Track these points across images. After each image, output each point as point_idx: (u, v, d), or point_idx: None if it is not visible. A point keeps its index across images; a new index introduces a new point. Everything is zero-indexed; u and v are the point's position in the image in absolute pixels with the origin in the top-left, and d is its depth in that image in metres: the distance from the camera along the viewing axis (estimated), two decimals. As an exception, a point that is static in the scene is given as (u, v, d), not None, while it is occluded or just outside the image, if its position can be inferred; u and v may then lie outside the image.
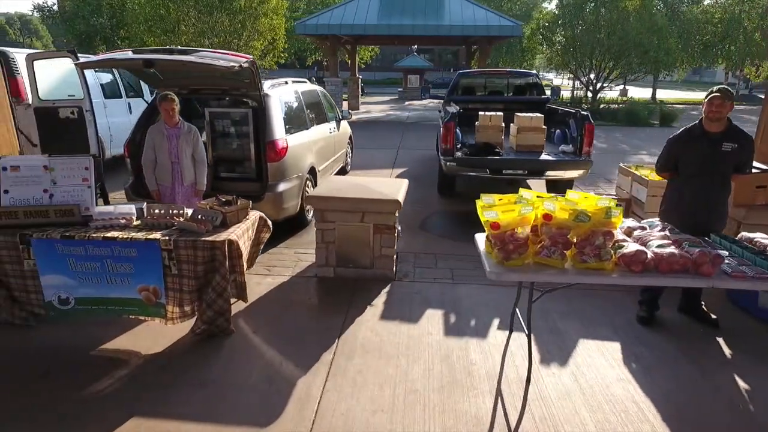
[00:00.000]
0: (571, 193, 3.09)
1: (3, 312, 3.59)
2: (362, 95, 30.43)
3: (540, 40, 24.51)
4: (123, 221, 3.57)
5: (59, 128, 6.39)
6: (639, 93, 32.48)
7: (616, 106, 21.31)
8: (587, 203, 2.96)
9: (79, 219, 3.58)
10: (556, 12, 23.97)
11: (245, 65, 4.42)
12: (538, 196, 3.12)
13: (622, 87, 32.47)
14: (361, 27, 18.55)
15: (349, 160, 9.01)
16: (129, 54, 4.46)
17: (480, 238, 3.35)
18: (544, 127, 6.44)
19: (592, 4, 22.11)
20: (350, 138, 9.06)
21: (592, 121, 6.11)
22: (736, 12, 27.73)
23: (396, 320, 3.80)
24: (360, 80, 24.34)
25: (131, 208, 3.69)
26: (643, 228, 3.16)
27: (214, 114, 5.53)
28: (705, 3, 31.77)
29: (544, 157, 6.21)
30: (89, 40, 29.85)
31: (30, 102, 6.35)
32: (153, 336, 3.53)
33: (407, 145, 12.66)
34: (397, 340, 3.52)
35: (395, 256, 4.57)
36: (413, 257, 5.06)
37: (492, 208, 2.92)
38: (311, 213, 6.13)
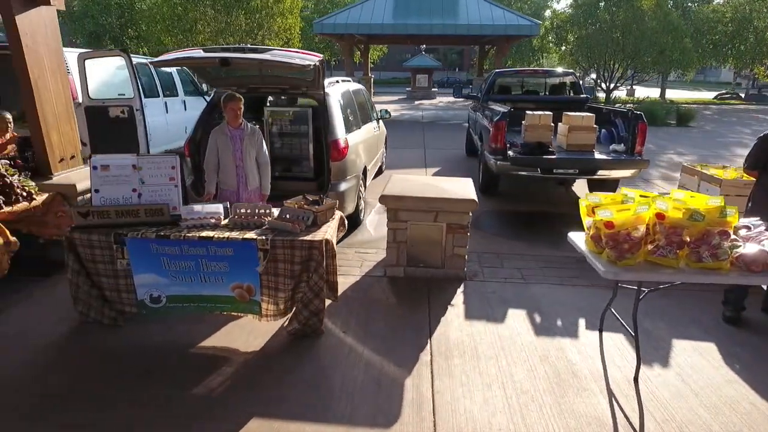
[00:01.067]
0: (676, 192, 3.08)
1: (92, 311, 3.58)
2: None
3: (554, 39, 24.47)
4: (213, 221, 3.55)
5: (109, 127, 6.39)
6: (645, 92, 32.49)
7: (632, 105, 21.31)
8: (696, 202, 2.94)
9: (168, 218, 3.56)
10: (570, 11, 23.95)
11: (317, 63, 4.41)
12: (642, 195, 3.10)
13: (629, 87, 32.46)
14: (378, 26, 18.55)
15: (384, 159, 9.00)
16: (200, 53, 4.43)
17: (577, 238, 3.33)
18: (595, 126, 6.42)
19: (603, 4, 22.13)
20: (386, 137, 9.05)
21: (645, 120, 6.09)
22: (747, 11, 27.73)
23: (482, 320, 3.78)
24: (372, 79, 24.32)
25: (218, 208, 3.67)
26: (747, 227, 3.14)
27: (274, 113, 5.51)
28: (716, 2, 31.76)
29: (599, 156, 6.19)
30: (98, 39, 29.85)
31: (80, 101, 6.34)
32: (244, 334, 3.52)
33: (431, 145, 12.65)
34: (489, 340, 3.50)
35: (466, 256, 4.55)
36: (476, 257, 5.05)
37: (605, 207, 2.90)
38: (363, 213, 6.13)
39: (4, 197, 3.98)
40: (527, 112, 6.77)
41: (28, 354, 3.27)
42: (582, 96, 8.69)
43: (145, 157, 3.65)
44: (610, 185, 7.22)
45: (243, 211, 3.65)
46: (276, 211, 3.69)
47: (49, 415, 2.71)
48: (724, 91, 38.49)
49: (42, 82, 4.57)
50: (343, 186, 5.27)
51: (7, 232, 3.96)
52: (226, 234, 3.36)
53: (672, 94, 35.32)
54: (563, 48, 24.25)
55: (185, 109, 9.44)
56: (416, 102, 28.12)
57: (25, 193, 4.19)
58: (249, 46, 4.55)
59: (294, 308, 3.51)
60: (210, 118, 5.37)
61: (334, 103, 5.34)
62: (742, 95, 36.37)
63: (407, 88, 38.21)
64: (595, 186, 7.37)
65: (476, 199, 4.35)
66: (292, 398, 2.84)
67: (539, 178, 6.33)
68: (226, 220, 3.61)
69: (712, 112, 24.46)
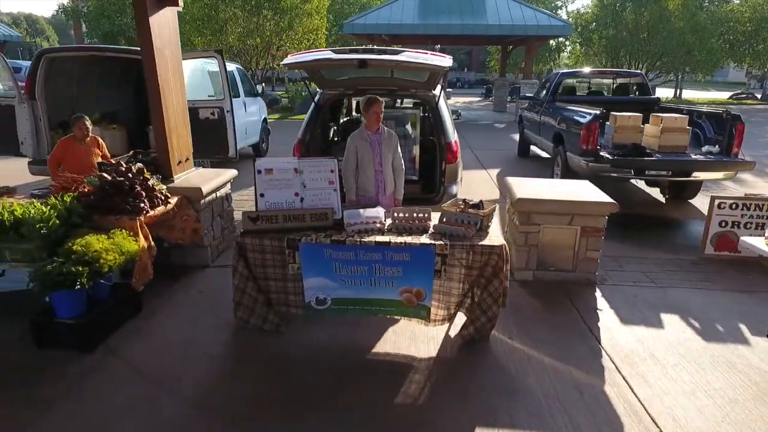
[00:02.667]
0: None
1: (254, 317, 3.52)
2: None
3: (578, 39, 24.43)
4: (378, 225, 3.49)
5: (198, 129, 6.30)
6: (661, 93, 32.39)
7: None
8: None
9: (331, 223, 3.51)
10: (595, 12, 23.91)
11: (449, 65, 4.36)
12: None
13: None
14: (409, 26, 18.48)
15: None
16: (329, 54, 4.37)
17: (757, 243, 3.28)
18: (688, 127, 6.36)
19: (630, 4, 22.07)
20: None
21: (743, 121, 6.04)
22: (766, 11, 27.69)
23: (640, 325, 3.73)
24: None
25: (380, 212, 3.61)
26: None
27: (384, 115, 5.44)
28: (735, 2, 31.70)
29: (699, 157, 6.13)
30: (112, 40, 29.81)
31: (170, 102, 6.26)
32: (407, 339, 3.47)
33: (475, 146, 12.60)
34: (661, 345, 3.45)
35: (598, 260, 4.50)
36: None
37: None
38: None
39: (149, 201, 3.92)
40: (614, 113, 6.71)
41: (213, 363, 3.21)
42: (653, 97, 8.64)
43: (305, 161, 3.60)
44: (693, 187, 7.19)
45: (402, 215, 3.60)
46: (434, 216, 3.63)
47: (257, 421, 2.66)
48: (738, 91, 38.34)
49: (166, 84, 4.51)
50: (454, 189, 5.22)
51: (150, 237, 3.91)
52: (403, 239, 3.30)
53: (685, 94, 35.24)
54: (579, 47, 24.13)
55: (245, 111, 9.39)
56: None
57: (162, 197, 4.14)
58: (377, 47, 4.49)
59: (457, 313, 3.47)
60: (317, 121, 5.31)
61: (443, 105, 5.29)
62: (758, 96, 36.28)
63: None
64: (675, 188, 7.35)
65: (615, 202, 4.29)
66: (501, 408, 2.78)
67: (623, 179, 6.26)
68: (388, 225, 3.55)
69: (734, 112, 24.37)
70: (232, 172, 5.24)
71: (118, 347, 3.34)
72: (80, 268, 3.11)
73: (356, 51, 4.46)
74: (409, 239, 3.31)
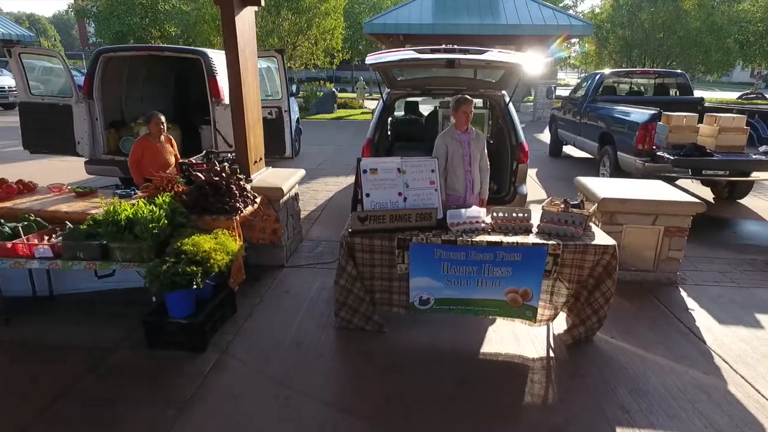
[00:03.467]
0: None
1: (356, 317, 3.51)
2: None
3: (592, 39, 24.41)
4: (483, 225, 3.48)
5: (255, 129, 6.29)
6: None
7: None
8: None
9: (435, 223, 3.49)
10: (609, 12, 23.89)
11: (539, 65, 4.35)
12: None
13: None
14: (429, 26, 18.43)
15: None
16: (414, 53, 4.34)
17: None
18: (746, 127, 6.36)
19: (645, 4, 22.04)
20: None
21: (803, 121, 6.04)
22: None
23: (738, 325, 3.72)
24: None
25: (481, 211, 3.59)
26: None
27: (449, 114, 5.43)
28: (746, 2, 31.67)
29: (758, 157, 6.13)
30: (123, 39, 29.79)
31: (227, 102, 6.25)
32: (511, 340, 3.46)
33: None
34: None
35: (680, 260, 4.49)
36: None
37: None
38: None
39: (242, 200, 3.91)
40: (668, 113, 6.70)
41: (330, 363, 3.19)
42: (696, 97, 8.63)
43: (408, 161, 3.59)
44: (746, 187, 7.18)
45: (502, 215, 3.59)
46: (535, 215, 3.62)
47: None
48: (748, 91, 38.30)
49: (246, 83, 4.50)
50: (524, 189, 5.21)
51: (242, 236, 3.90)
52: (514, 239, 3.29)
53: (696, 94, 35.20)
54: (606, 49, 23.99)
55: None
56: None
57: (251, 197, 4.13)
58: (456, 47, 4.48)
59: (559, 313, 3.47)
60: (385, 121, 5.30)
61: (512, 105, 5.27)
62: (768, 95, 36.26)
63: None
64: (728, 188, 7.33)
65: (702, 202, 4.28)
66: (634, 407, 2.77)
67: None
68: (490, 224, 3.54)
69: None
70: (301, 172, 5.23)
71: (228, 347, 3.33)
72: (194, 268, 3.10)
73: (438, 50, 4.45)
74: (519, 239, 3.30)
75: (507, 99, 5.17)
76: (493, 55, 4.24)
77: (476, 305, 3.47)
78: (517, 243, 3.26)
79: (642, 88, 9.62)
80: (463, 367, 3.15)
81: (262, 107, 6.25)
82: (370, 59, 4.36)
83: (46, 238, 3.47)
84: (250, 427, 2.60)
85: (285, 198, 4.71)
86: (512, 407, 2.79)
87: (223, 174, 3.92)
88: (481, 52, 4.32)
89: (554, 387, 2.96)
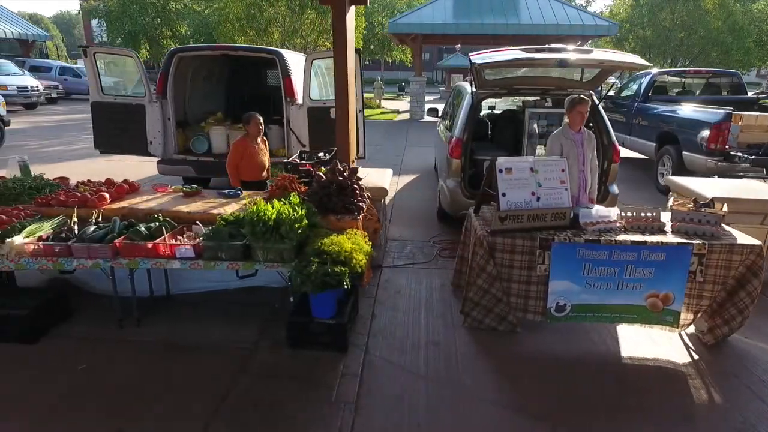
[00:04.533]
0: None
1: (489, 318, 3.50)
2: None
3: (611, 40, 24.39)
4: (618, 224, 3.47)
5: (328, 128, 6.27)
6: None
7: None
8: None
9: (568, 223, 3.49)
10: (628, 11, 23.89)
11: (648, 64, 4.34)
12: None
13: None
14: (453, 26, 18.44)
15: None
16: (521, 53, 4.31)
17: None
18: (820, 127, 6.36)
19: (667, 4, 22.04)
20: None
21: None
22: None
23: None
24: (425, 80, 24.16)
25: (611, 211, 3.58)
26: None
27: (533, 114, 5.44)
28: (760, 1, 31.68)
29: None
30: (134, 39, 29.81)
31: (301, 102, 6.25)
32: (649, 344, 3.44)
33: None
34: None
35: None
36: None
37: None
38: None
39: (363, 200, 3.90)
40: (739, 113, 6.69)
41: (476, 363, 3.18)
42: (750, 96, 8.62)
43: (540, 160, 3.57)
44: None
45: (631, 214, 3.57)
46: (665, 214, 3.61)
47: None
48: (759, 91, 38.37)
49: (349, 81, 4.48)
50: (615, 188, 5.21)
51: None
52: (658, 238, 3.28)
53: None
54: (626, 48, 23.99)
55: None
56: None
57: (366, 196, 4.11)
58: (548, 46, 4.46)
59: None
60: (474, 120, 5.28)
61: (600, 106, 5.26)
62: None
63: (441, 88, 38.18)
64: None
65: (813, 201, 4.27)
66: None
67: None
68: (619, 224, 3.53)
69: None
70: (390, 170, 5.22)
71: (367, 347, 3.31)
72: (342, 269, 3.09)
73: (542, 50, 4.43)
74: (661, 238, 3.28)
75: (600, 98, 5.15)
76: (604, 54, 4.23)
77: (613, 311, 3.43)
78: (662, 242, 3.25)
79: (692, 88, 9.61)
80: (616, 371, 3.13)
81: (333, 107, 6.27)
82: (478, 59, 4.34)
83: (179, 238, 3.45)
84: (430, 429, 2.58)
85: (387, 197, 4.69)
86: (685, 410, 2.77)
87: (345, 174, 3.90)
88: (588, 52, 4.31)
89: (715, 388, 2.95)
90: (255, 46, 9.22)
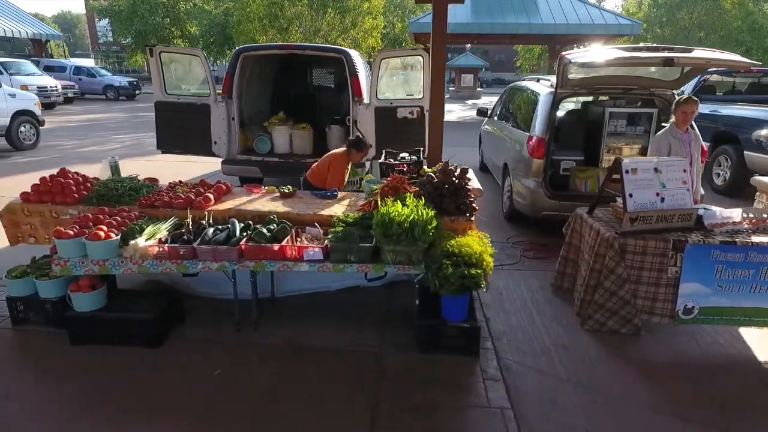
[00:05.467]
0: None
1: (611, 321, 3.44)
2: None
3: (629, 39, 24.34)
4: (746, 225, 3.42)
5: (395, 128, 6.23)
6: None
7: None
8: None
9: (693, 224, 3.44)
10: (645, 11, 23.86)
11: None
12: None
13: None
14: (476, 25, 18.40)
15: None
16: (620, 53, 4.26)
17: None
18: None
19: (686, 4, 22.00)
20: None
21: None
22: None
23: None
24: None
25: (733, 212, 3.53)
26: None
27: (614, 114, 5.38)
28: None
29: None
30: (144, 39, 29.78)
31: (368, 102, 6.19)
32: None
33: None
34: None
35: None
36: None
37: None
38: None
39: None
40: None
41: (606, 366, 3.13)
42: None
43: (663, 160, 3.53)
44: None
45: (752, 215, 3.53)
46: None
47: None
48: None
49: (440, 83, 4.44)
50: (701, 189, 5.14)
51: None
52: (795, 239, 3.23)
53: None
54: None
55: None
56: (470, 102, 27.96)
57: (473, 196, 4.05)
58: (645, 45, 4.41)
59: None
60: (553, 119, 5.22)
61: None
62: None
63: (451, 88, 38.12)
64: None
65: None
66: None
67: None
68: (744, 225, 3.48)
69: None
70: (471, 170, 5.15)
71: (496, 350, 3.25)
72: (477, 271, 3.04)
73: (638, 49, 4.38)
74: (799, 240, 3.24)
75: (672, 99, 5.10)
76: (707, 53, 4.18)
77: (744, 314, 3.38)
78: (799, 244, 3.20)
79: (742, 87, 9.57)
80: (760, 375, 3.08)
81: (404, 107, 6.22)
82: (575, 58, 4.28)
83: (300, 239, 3.39)
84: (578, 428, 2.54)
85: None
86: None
87: (455, 174, 3.85)
88: (689, 51, 4.26)
89: None
90: (322, 45, 9.14)
